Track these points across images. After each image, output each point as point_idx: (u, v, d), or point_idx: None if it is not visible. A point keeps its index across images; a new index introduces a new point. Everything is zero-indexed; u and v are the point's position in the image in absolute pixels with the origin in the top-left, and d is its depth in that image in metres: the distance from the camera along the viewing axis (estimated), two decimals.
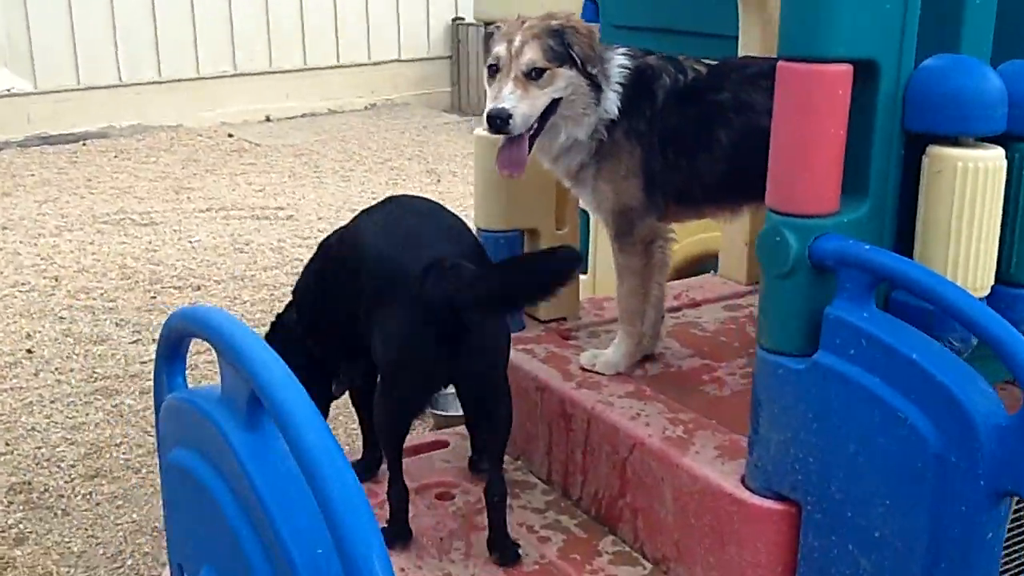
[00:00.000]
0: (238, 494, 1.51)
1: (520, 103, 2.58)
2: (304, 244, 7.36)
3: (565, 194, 3.22)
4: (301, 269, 3.21)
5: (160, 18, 11.51)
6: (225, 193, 8.89)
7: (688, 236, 4.19)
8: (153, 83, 11.64)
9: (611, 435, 2.65)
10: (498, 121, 2.58)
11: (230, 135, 11.45)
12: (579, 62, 2.63)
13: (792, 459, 2.18)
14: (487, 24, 3.03)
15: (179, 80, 11.76)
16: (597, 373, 2.91)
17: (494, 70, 2.64)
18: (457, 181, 9.44)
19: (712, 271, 3.81)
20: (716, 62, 2.86)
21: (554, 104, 2.66)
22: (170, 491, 1.81)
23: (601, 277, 4.08)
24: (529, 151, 2.70)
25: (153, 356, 4.76)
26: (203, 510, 1.63)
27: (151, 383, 4.59)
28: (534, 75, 2.61)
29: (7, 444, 4.41)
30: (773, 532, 2.25)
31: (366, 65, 12.98)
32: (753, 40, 3.46)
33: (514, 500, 2.84)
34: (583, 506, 2.81)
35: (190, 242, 7.36)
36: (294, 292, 2.97)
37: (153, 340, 5.46)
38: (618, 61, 2.72)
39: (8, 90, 10.94)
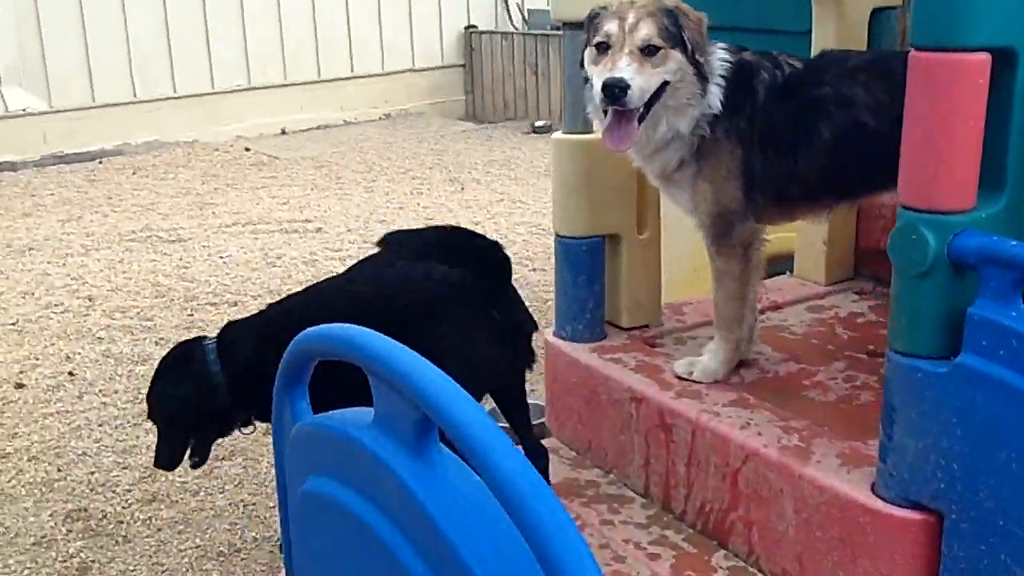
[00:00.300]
0: (406, 527, 1.40)
1: (637, 76, 2.46)
2: (336, 256, 7.27)
3: (646, 197, 3.12)
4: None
5: (173, 34, 11.43)
6: (249, 207, 8.79)
7: None
8: (168, 99, 11.55)
9: (720, 446, 2.55)
10: (616, 91, 2.46)
11: (247, 149, 11.37)
12: (689, 48, 2.52)
13: (933, 466, 2.07)
14: (564, 24, 2.94)
15: (194, 95, 11.68)
16: (694, 381, 2.80)
17: (603, 48, 2.52)
18: (482, 189, 9.35)
19: (787, 272, 3.71)
20: (811, 57, 2.76)
21: (661, 89, 2.54)
22: (304, 521, 1.71)
23: (668, 280, 3.97)
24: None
25: None
26: (353, 542, 1.53)
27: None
28: (648, 52, 2.49)
29: (59, 470, 4.30)
30: (911, 543, 2.15)
31: (380, 76, 12.91)
32: (827, 35, 3.36)
33: (614, 515, 2.74)
34: (688, 520, 2.70)
35: (221, 257, 7.26)
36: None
37: None
38: (719, 55, 2.62)
39: (23, 110, 10.86)
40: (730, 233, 2.68)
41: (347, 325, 1.59)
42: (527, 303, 6.09)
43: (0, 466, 4.34)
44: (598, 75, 2.49)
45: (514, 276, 6.53)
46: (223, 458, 4.30)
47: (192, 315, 6.09)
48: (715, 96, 2.58)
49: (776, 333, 3.20)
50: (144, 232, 8.01)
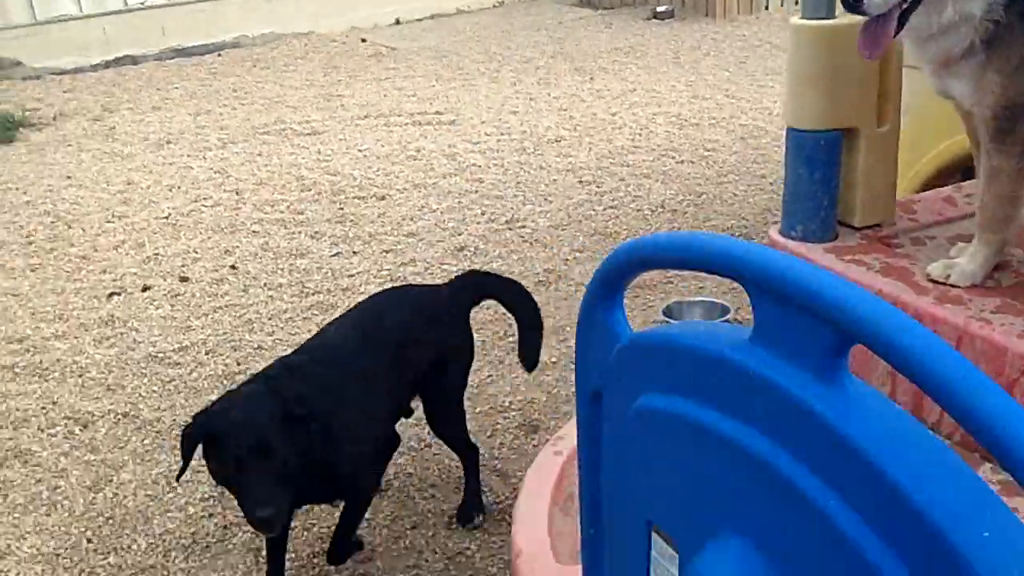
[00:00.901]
0: (808, 454, 1.28)
1: None
2: (476, 150, 7.13)
3: (888, 86, 2.90)
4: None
5: None
6: (377, 99, 8.67)
7: (937, 142, 3.88)
8: None
9: (994, 355, 2.39)
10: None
11: (363, 40, 11.22)
12: None
13: None
14: None
15: None
16: (951, 285, 2.63)
17: None
18: (610, 78, 9.09)
19: None
20: None
21: None
22: (643, 441, 1.60)
23: None
24: (900, 29, 2.38)
25: (358, 269, 4.62)
26: (727, 470, 1.41)
27: (363, 297, 4.43)
28: None
29: (238, 363, 4.31)
30: None
31: None
32: None
33: None
34: (943, 431, 2.56)
35: (360, 151, 7.17)
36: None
37: (354, 252, 5.33)
38: None
39: (142, 3, 10.81)
40: (1013, 129, 2.46)
41: (702, 233, 1.46)
42: (680, 197, 5.95)
43: (179, 359, 4.36)
44: None
45: (662, 169, 6.38)
46: None
47: (342, 209, 6.03)
48: None
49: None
50: (277, 125, 7.95)
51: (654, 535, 1.62)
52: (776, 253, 1.35)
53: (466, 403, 3.88)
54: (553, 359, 4.20)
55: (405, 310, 3.14)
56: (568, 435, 2.64)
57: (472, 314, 4.23)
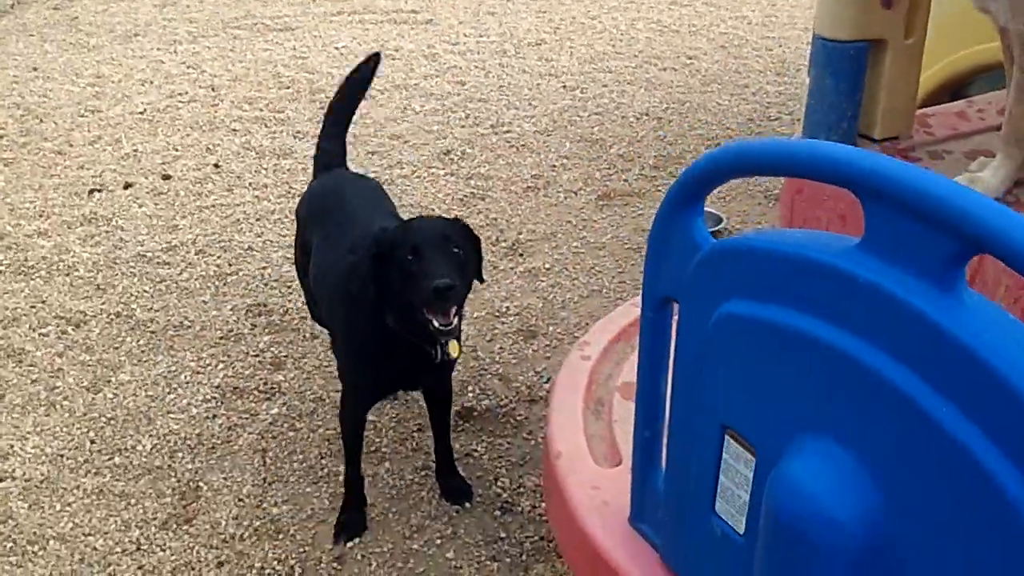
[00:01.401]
0: (923, 364, 1.28)
1: None
2: (455, 51, 7.01)
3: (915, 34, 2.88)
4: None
5: None
6: None
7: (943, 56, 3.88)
8: None
9: None
10: None
11: None
12: None
13: None
14: None
15: None
16: None
17: None
18: None
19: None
20: None
21: None
22: (725, 347, 1.60)
23: None
24: None
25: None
26: (822, 376, 1.42)
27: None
28: None
29: (229, 264, 4.25)
30: None
31: None
32: None
33: None
34: None
35: (336, 48, 7.02)
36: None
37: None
38: None
39: None
40: None
41: (791, 140, 1.44)
42: (664, 105, 5.90)
43: (168, 259, 4.28)
44: None
45: (645, 76, 6.32)
46: None
47: (321, 108, 5.89)
48: None
49: None
50: (248, 19, 7.74)
51: (728, 438, 1.63)
52: (891, 159, 1.33)
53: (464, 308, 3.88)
54: (547, 265, 4.20)
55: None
56: (594, 340, 2.64)
57: (464, 219, 4.17)
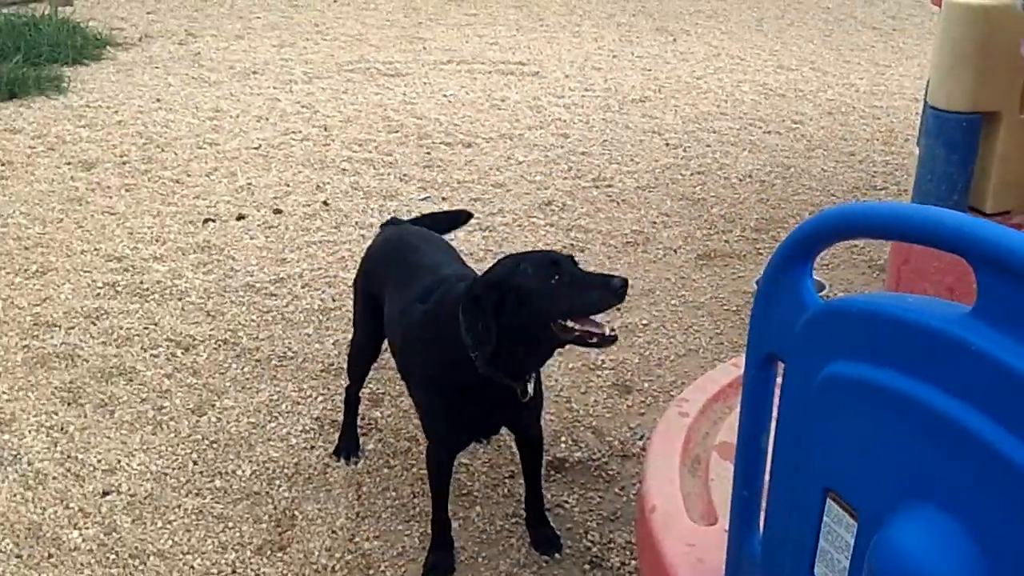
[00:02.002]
0: None
1: None
2: (560, 104, 7.12)
3: None
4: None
5: None
6: (459, 45, 8.66)
7: None
8: None
9: None
10: None
11: None
12: None
13: None
14: None
15: None
16: None
17: None
18: (694, 40, 9.03)
19: None
20: None
21: None
22: (830, 408, 1.61)
23: None
24: None
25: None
26: (930, 442, 1.43)
27: (456, 243, 4.46)
28: None
29: (333, 300, 4.35)
30: None
31: None
32: None
33: None
34: None
35: (445, 96, 7.18)
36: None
37: (443, 199, 5.35)
38: None
39: None
40: None
41: (905, 205, 1.46)
42: (768, 168, 5.91)
43: (276, 290, 4.42)
44: None
45: (749, 139, 6.34)
46: None
47: (429, 153, 6.05)
48: None
49: None
50: (361, 63, 7.97)
51: (830, 502, 1.63)
52: (1007, 229, 1.35)
53: (557, 357, 3.92)
54: (644, 321, 4.22)
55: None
56: (692, 398, 2.66)
57: None
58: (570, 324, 2.50)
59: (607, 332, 2.52)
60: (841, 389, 1.59)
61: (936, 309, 1.47)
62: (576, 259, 2.65)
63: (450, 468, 2.89)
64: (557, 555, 2.94)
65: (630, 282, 2.59)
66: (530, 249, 4.70)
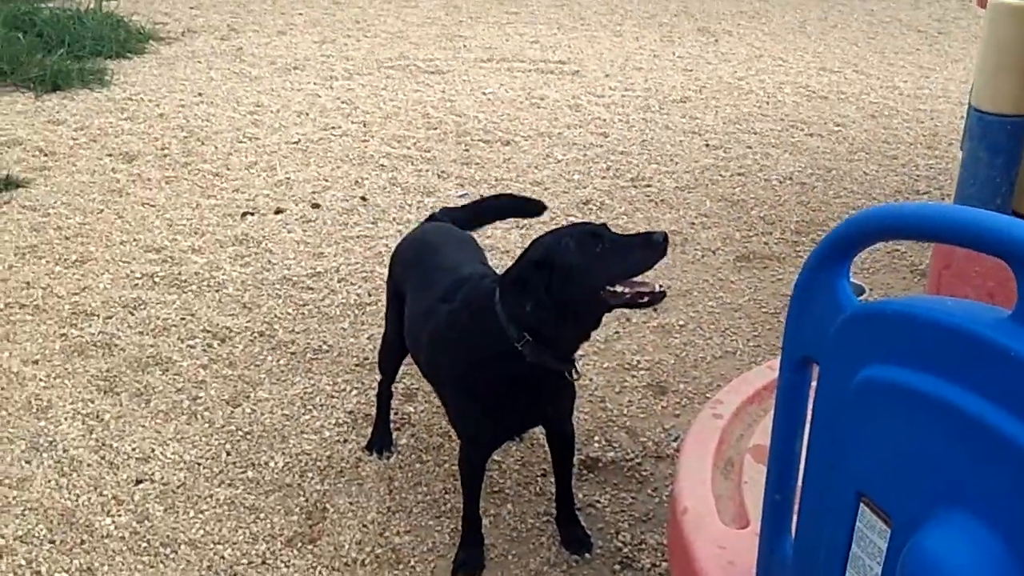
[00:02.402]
0: None
1: None
2: (599, 103, 7.09)
3: None
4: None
5: None
6: (499, 43, 8.66)
7: None
8: None
9: None
10: None
11: None
12: None
13: None
14: None
15: None
16: None
17: None
18: (735, 41, 8.97)
19: None
20: None
21: None
22: (864, 412, 1.59)
23: None
24: None
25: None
26: (966, 448, 1.40)
27: (490, 239, 4.43)
28: None
29: (369, 295, 4.37)
30: None
31: None
32: None
33: None
34: None
35: (484, 94, 7.18)
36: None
37: (479, 195, 5.33)
38: None
39: None
40: None
41: (948, 206, 1.43)
42: (809, 171, 5.86)
43: (312, 284, 4.43)
44: None
45: (790, 140, 6.28)
46: None
47: (468, 150, 6.06)
48: None
49: None
50: (401, 61, 7.98)
51: (863, 507, 1.61)
52: None
53: (592, 357, 3.90)
54: (681, 322, 4.19)
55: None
56: (727, 400, 2.64)
57: None
58: (619, 289, 2.51)
59: (656, 288, 2.54)
60: (876, 393, 1.57)
61: (974, 313, 1.45)
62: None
63: (483, 468, 2.89)
64: (587, 555, 2.93)
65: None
66: None
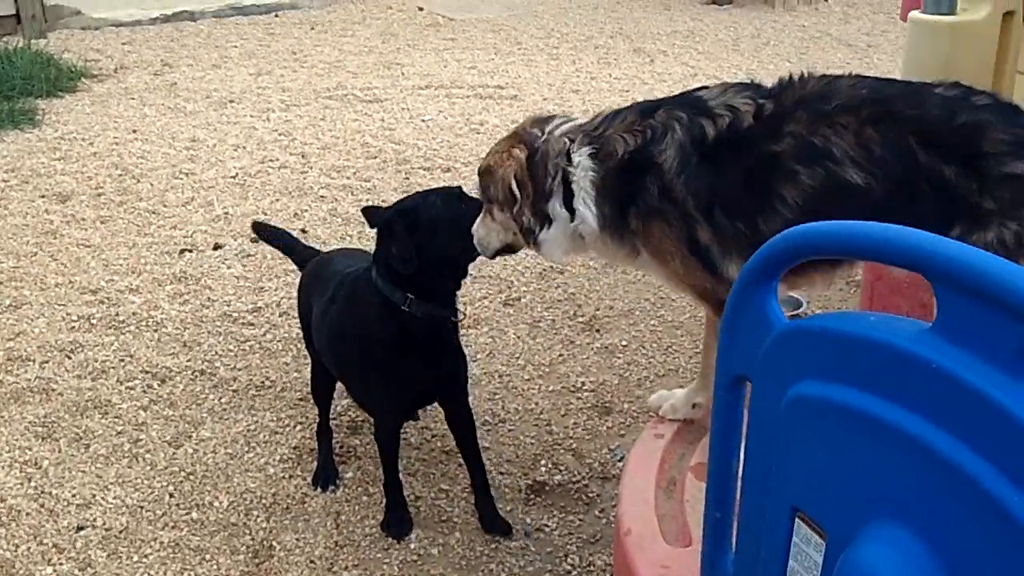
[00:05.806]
0: (992, 451, 1.28)
1: None
2: None
3: (1001, 90, 2.89)
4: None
5: None
6: (438, 70, 8.66)
7: None
8: None
9: None
10: None
11: (420, 8, 11.21)
12: None
13: None
14: None
15: None
16: None
17: None
18: (671, 61, 9.05)
19: None
20: None
21: None
22: (796, 428, 1.61)
23: None
24: None
25: None
26: (893, 460, 1.42)
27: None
28: None
29: None
30: None
31: None
32: None
33: None
34: None
35: (423, 121, 7.18)
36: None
37: None
38: None
39: None
40: None
41: (881, 225, 1.46)
42: None
43: (253, 319, 4.40)
44: None
45: None
46: (469, 327, 4.28)
47: (408, 178, 6.05)
48: None
49: None
50: (339, 90, 7.96)
51: (798, 521, 1.63)
52: (966, 247, 1.35)
53: (537, 381, 3.91)
54: (624, 342, 4.21)
55: None
56: (668, 420, 2.66)
57: (542, 294, 4.27)
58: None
59: None
60: (807, 409, 1.59)
61: (897, 327, 1.47)
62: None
63: (397, 439, 3.09)
64: (509, 537, 3.08)
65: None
66: (508, 276, 4.72)
